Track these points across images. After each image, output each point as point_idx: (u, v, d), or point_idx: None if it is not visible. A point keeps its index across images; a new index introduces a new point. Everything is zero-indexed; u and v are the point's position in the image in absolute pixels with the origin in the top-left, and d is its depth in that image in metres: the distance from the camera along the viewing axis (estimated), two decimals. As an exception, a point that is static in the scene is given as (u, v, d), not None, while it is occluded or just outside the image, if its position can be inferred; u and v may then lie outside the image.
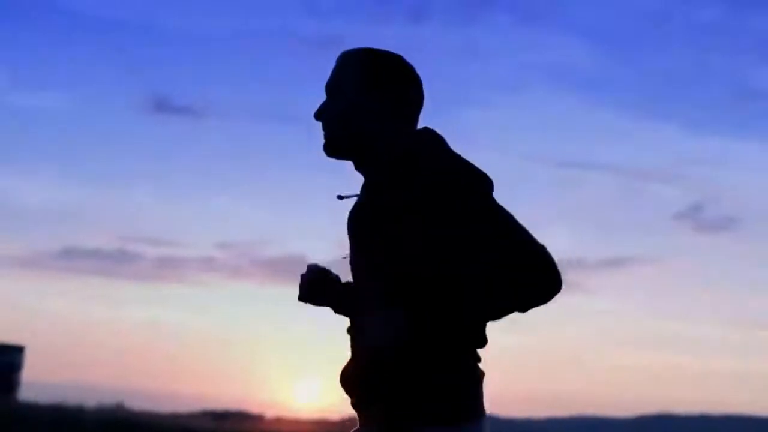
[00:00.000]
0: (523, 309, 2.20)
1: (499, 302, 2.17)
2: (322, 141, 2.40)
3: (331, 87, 2.41)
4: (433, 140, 2.30)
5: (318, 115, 2.40)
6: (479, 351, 2.30)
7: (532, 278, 2.16)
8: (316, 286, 2.43)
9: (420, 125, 2.40)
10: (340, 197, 2.40)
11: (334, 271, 2.46)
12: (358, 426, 2.34)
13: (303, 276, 2.45)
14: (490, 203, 2.21)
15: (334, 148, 2.38)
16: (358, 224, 2.34)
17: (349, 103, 2.36)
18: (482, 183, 2.22)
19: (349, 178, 2.43)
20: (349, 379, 2.33)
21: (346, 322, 2.42)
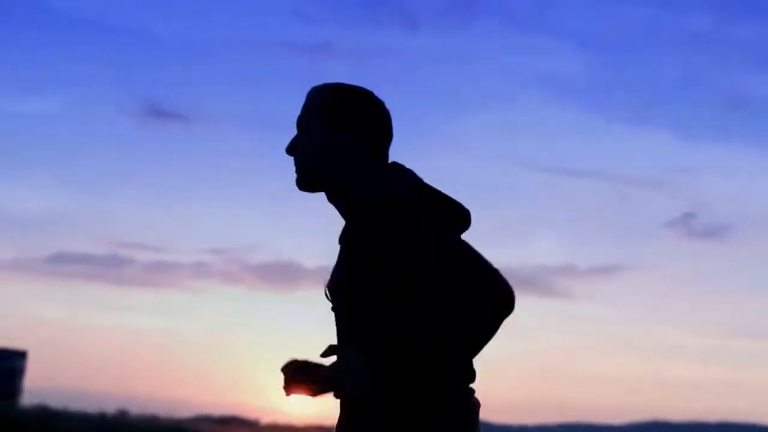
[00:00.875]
0: (487, 338, 2.20)
1: (471, 343, 2.19)
2: (294, 175, 2.44)
3: (300, 122, 2.44)
4: (403, 175, 2.33)
5: (289, 150, 2.43)
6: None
7: (496, 313, 2.17)
8: (297, 376, 2.35)
9: (412, 133, 2.52)
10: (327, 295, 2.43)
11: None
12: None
13: (282, 369, 2.39)
14: (452, 237, 2.22)
15: (303, 182, 2.42)
16: (338, 276, 2.37)
17: (318, 138, 2.39)
18: (457, 216, 2.28)
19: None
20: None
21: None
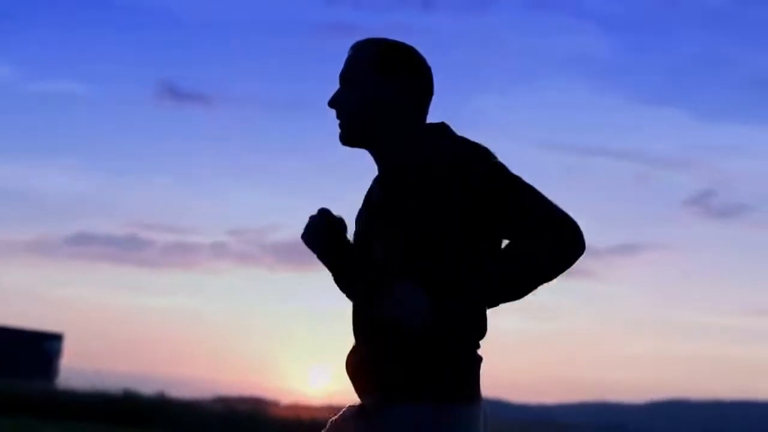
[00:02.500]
0: (554, 276, 2.27)
1: (537, 271, 2.24)
2: (337, 130, 2.45)
3: (344, 76, 2.45)
4: (447, 130, 2.39)
5: (332, 103, 2.45)
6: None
7: (562, 245, 2.23)
8: (323, 231, 2.44)
9: (433, 112, 2.47)
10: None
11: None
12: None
13: (312, 217, 2.47)
14: (511, 173, 2.29)
15: (348, 138, 2.43)
16: (377, 208, 2.40)
17: (362, 92, 2.41)
18: (496, 160, 2.31)
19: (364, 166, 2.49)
20: (355, 366, 2.38)
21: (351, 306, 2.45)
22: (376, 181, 2.48)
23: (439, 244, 2.26)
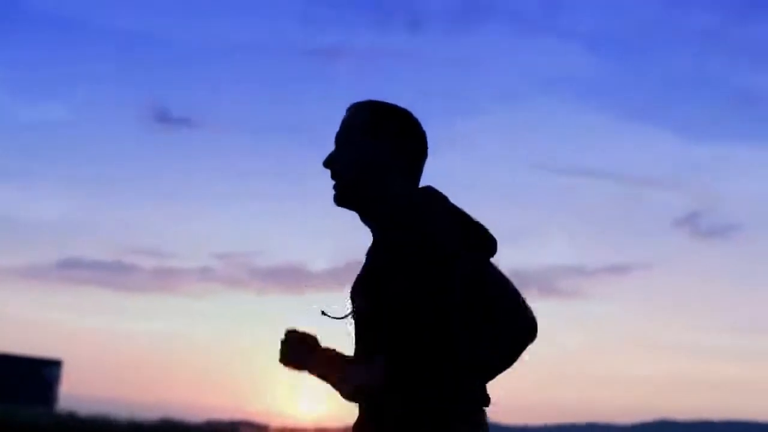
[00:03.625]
0: (508, 366, 2.34)
1: (492, 367, 2.32)
2: (332, 191, 2.47)
3: (340, 136, 2.47)
4: (436, 199, 2.38)
5: (326, 164, 2.46)
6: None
7: (518, 340, 2.29)
8: (295, 347, 2.41)
9: (422, 137, 2.50)
10: (323, 313, 2.45)
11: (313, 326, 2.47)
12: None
13: (282, 340, 2.43)
14: (486, 269, 2.31)
15: (341, 198, 2.45)
16: (365, 284, 2.40)
17: (354, 153, 2.43)
18: (484, 245, 2.34)
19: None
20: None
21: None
22: (367, 253, 2.47)
23: (417, 318, 2.28)
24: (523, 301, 2.30)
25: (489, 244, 2.34)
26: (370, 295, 2.34)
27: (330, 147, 2.51)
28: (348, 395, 2.36)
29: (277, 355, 2.42)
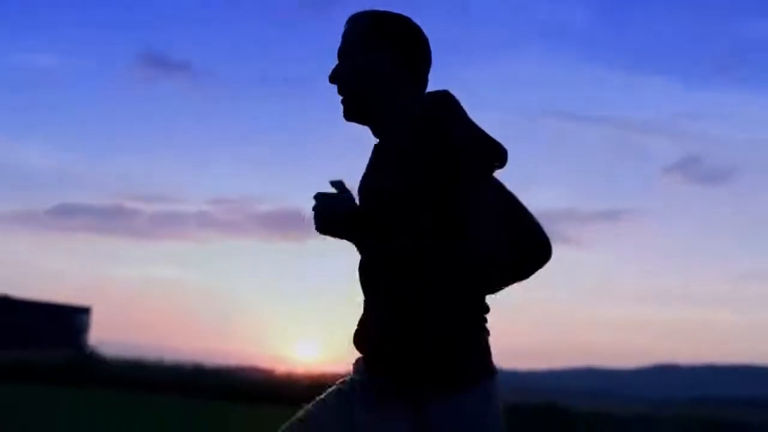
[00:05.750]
0: (520, 279, 2.32)
1: (501, 278, 2.30)
2: (340, 106, 2.43)
3: (342, 51, 2.44)
4: (449, 103, 2.28)
5: (332, 78, 2.43)
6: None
7: (531, 255, 2.28)
8: (327, 215, 2.38)
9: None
10: (332, 182, 2.42)
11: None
12: (352, 376, 2.38)
13: (315, 206, 2.40)
14: (494, 181, 2.27)
15: (351, 111, 2.41)
16: (375, 170, 2.37)
17: (357, 65, 2.39)
18: (495, 154, 2.26)
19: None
20: (366, 335, 2.35)
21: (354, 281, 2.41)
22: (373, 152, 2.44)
23: (419, 197, 2.24)
24: (539, 225, 2.29)
25: (500, 155, 2.28)
26: (387, 173, 2.29)
27: (330, 93, 2.46)
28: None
29: (313, 225, 2.40)
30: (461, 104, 2.27)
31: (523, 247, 2.26)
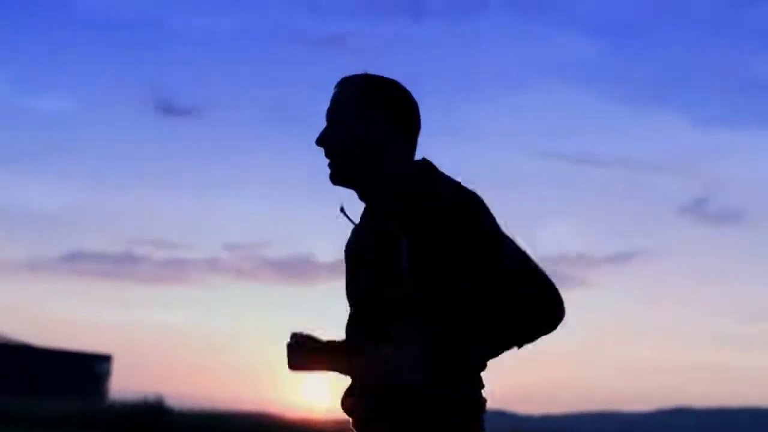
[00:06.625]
0: (531, 341, 2.27)
1: (508, 336, 2.24)
2: (328, 170, 2.41)
3: (331, 113, 2.42)
4: (433, 171, 2.32)
5: (319, 141, 2.41)
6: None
7: (541, 310, 2.24)
8: (302, 350, 2.35)
9: (424, 121, 2.45)
10: (342, 210, 2.42)
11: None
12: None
13: (288, 344, 2.36)
14: (496, 229, 2.26)
15: (338, 175, 2.39)
16: (364, 248, 2.37)
17: (345, 129, 2.37)
18: (486, 210, 2.27)
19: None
20: (351, 408, 2.36)
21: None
22: (359, 230, 2.43)
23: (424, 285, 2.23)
24: (546, 275, 2.27)
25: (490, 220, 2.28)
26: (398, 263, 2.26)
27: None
28: (375, 378, 2.29)
29: (285, 360, 2.36)
30: (440, 171, 2.31)
31: (538, 302, 2.22)
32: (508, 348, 2.25)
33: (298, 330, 2.37)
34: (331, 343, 2.37)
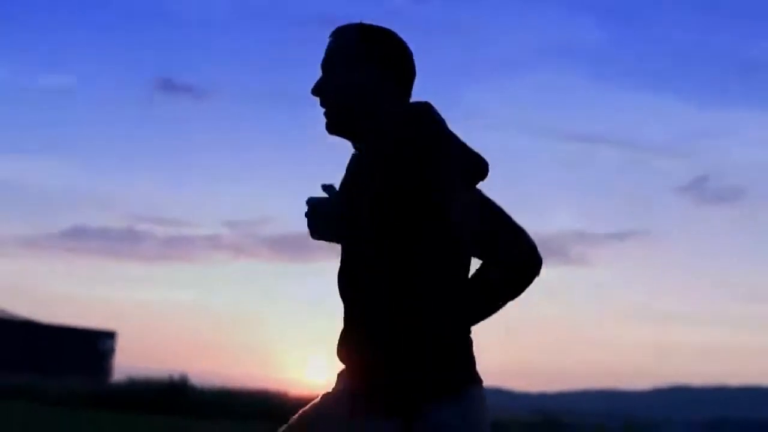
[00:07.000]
0: (515, 297, 2.39)
1: (497, 299, 2.35)
2: (323, 118, 2.41)
3: (325, 63, 2.42)
4: (430, 115, 2.29)
5: (315, 91, 2.41)
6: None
7: (523, 270, 2.33)
8: (319, 220, 2.33)
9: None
10: (324, 186, 2.35)
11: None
12: (334, 389, 2.39)
13: (306, 212, 2.36)
14: (477, 192, 2.30)
15: (335, 125, 2.39)
16: (352, 181, 2.37)
17: (340, 78, 2.37)
18: (476, 165, 2.29)
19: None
20: (345, 347, 2.35)
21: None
22: (351, 160, 2.44)
23: (390, 230, 2.22)
24: (525, 233, 2.33)
25: (481, 168, 2.31)
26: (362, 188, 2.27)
27: None
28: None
29: (307, 231, 2.35)
30: (441, 117, 2.29)
31: (513, 252, 2.30)
32: (489, 312, 2.34)
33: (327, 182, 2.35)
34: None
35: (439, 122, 2.27)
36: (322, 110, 2.41)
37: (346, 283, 2.34)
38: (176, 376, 22.38)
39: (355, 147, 2.41)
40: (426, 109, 2.31)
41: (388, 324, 2.23)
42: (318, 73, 2.44)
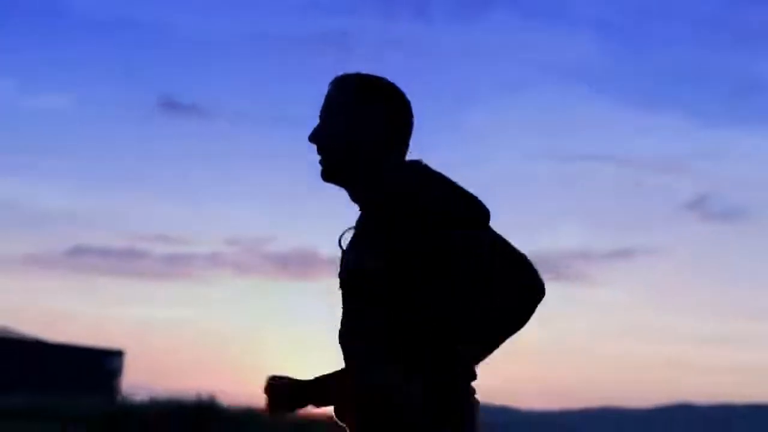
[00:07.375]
0: (521, 326, 2.28)
1: (498, 331, 2.27)
2: (319, 166, 2.42)
3: (324, 111, 2.43)
4: (428, 170, 2.32)
5: (312, 138, 2.42)
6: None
7: (526, 299, 2.25)
8: (279, 394, 2.40)
9: (428, 124, 2.43)
10: (341, 242, 2.41)
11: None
12: None
13: (265, 389, 2.42)
14: (488, 233, 2.27)
15: (329, 172, 2.41)
16: (353, 271, 2.35)
17: (337, 127, 2.38)
18: (478, 214, 2.28)
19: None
20: (347, 408, 2.37)
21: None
22: (356, 225, 2.43)
23: (398, 287, 2.24)
24: (528, 261, 2.27)
25: (482, 215, 2.30)
26: (361, 256, 2.29)
27: None
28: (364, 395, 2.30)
29: (266, 402, 2.42)
30: (435, 171, 2.30)
31: (517, 296, 2.23)
32: (494, 344, 2.27)
33: (274, 374, 2.42)
34: (309, 382, 2.42)
35: (439, 178, 2.30)
36: (318, 157, 2.43)
37: (345, 345, 2.38)
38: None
39: (351, 197, 2.42)
40: (419, 166, 2.34)
41: (389, 392, 2.25)
42: (323, 96, 2.48)
